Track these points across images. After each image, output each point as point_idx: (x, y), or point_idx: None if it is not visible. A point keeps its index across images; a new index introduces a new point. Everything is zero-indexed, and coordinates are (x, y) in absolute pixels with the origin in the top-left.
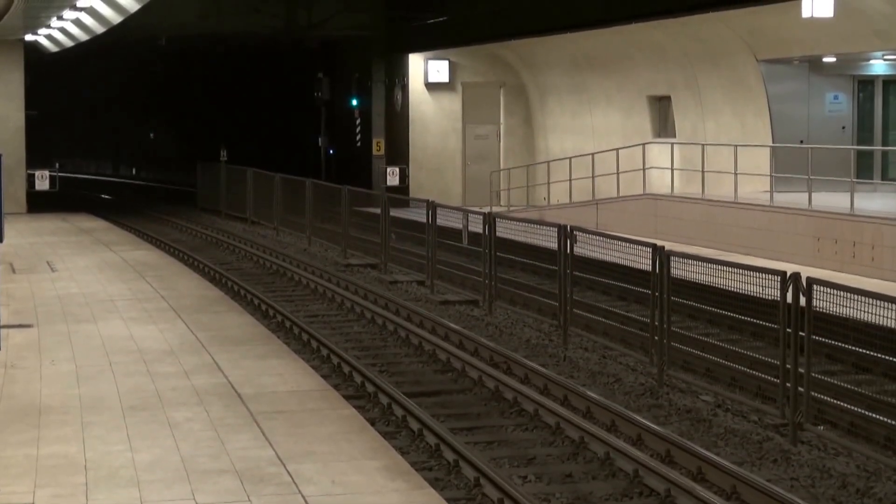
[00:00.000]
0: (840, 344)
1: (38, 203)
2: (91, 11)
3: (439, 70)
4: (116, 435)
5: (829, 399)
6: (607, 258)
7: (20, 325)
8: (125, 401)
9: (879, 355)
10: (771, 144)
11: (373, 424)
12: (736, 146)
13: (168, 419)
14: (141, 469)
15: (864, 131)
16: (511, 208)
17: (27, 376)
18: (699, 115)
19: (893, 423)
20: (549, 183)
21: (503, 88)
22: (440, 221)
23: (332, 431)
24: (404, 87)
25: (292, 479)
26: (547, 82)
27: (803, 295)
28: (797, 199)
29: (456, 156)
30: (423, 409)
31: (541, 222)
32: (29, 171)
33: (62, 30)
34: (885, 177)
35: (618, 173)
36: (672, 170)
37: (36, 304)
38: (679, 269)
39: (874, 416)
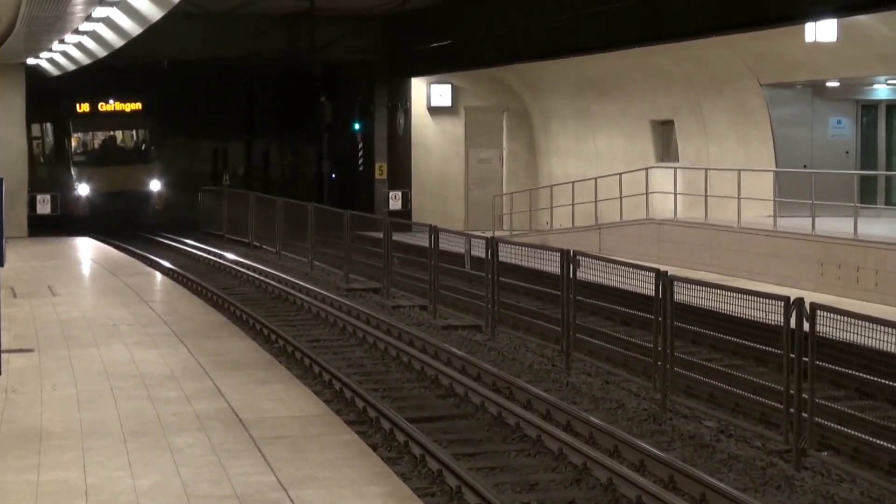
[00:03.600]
0: (844, 370)
1: (39, 226)
2: (93, 35)
3: (442, 94)
4: (117, 460)
5: (832, 425)
6: (610, 283)
7: (21, 350)
8: (126, 426)
9: (883, 381)
10: (774, 169)
11: (375, 450)
12: (739, 171)
13: (169, 444)
14: (142, 494)
15: (867, 156)
16: (514, 233)
17: (28, 401)
18: (702, 139)
19: None
20: (551, 207)
21: (506, 112)
22: (443, 246)
23: (334, 457)
24: (407, 111)
25: None
26: (550, 106)
27: (807, 320)
28: (801, 223)
29: (458, 180)
30: (426, 435)
31: (544, 247)
32: (30, 194)
33: (64, 53)
34: (888, 202)
35: (621, 198)
36: (675, 194)
37: (37, 328)
38: (682, 295)
39: (878, 442)
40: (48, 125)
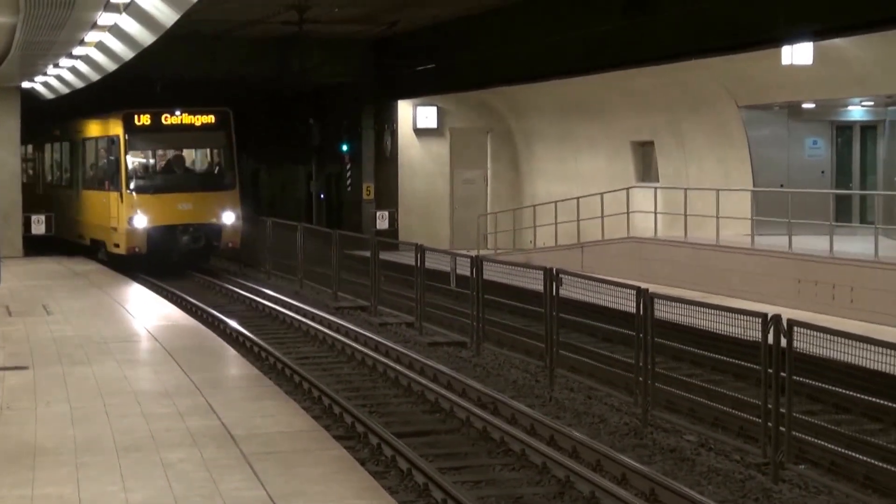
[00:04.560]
0: (820, 384)
1: (34, 246)
2: (86, 59)
3: (427, 116)
4: (110, 476)
5: (809, 438)
6: (592, 300)
7: (16, 367)
8: (119, 442)
9: (859, 395)
10: (752, 189)
11: (363, 464)
12: (718, 190)
13: (161, 460)
14: None
15: (842, 176)
16: (498, 251)
17: (22, 418)
18: (682, 159)
19: (873, 461)
20: (535, 227)
21: (490, 134)
22: (428, 264)
23: (323, 471)
24: (393, 133)
25: None
26: (533, 128)
27: (784, 336)
28: (778, 242)
29: (444, 200)
30: (412, 450)
31: (527, 265)
32: (25, 215)
33: (58, 77)
34: (863, 220)
35: (602, 217)
36: (655, 213)
37: (31, 346)
38: (663, 312)
39: (854, 454)
40: (88, 142)
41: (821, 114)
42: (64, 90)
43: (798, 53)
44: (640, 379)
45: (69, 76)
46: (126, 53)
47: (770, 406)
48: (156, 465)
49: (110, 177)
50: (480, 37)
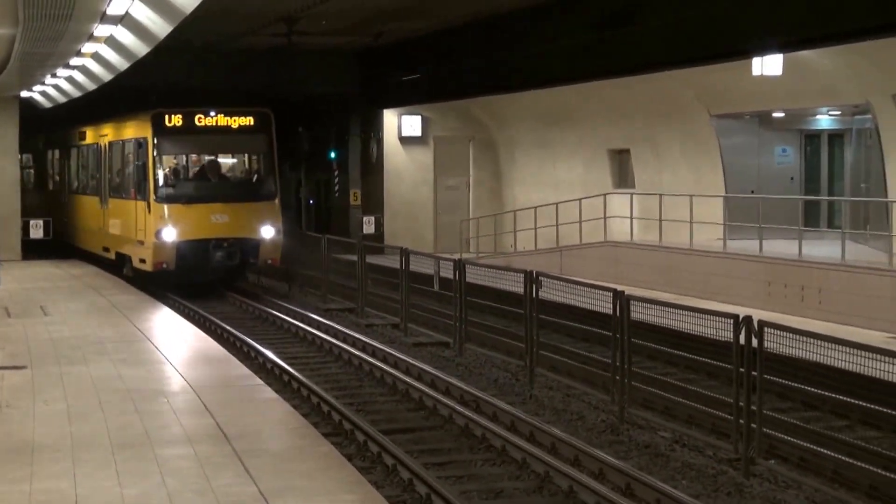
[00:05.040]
0: (790, 382)
1: (32, 250)
2: (83, 69)
3: (412, 125)
4: (106, 471)
5: (779, 435)
6: (571, 302)
7: (15, 367)
8: (114, 439)
9: (827, 393)
10: (724, 195)
11: (350, 460)
12: (691, 196)
13: (156, 456)
14: (129, 503)
15: (811, 182)
16: (480, 255)
17: (21, 416)
18: (656, 167)
19: (840, 457)
20: (515, 231)
21: (472, 142)
22: (413, 267)
23: (312, 467)
24: (379, 141)
25: None
26: (514, 137)
27: (755, 337)
28: (749, 246)
29: (428, 205)
30: (397, 446)
31: (508, 268)
32: (24, 220)
33: (56, 86)
34: (830, 225)
35: (580, 222)
36: (631, 219)
37: (30, 346)
38: (638, 313)
39: (822, 450)
40: (114, 145)
41: (790, 123)
42: (62, 99)
43: (768, 65)
44: (617, 378)
45: (66, 86)
46: (121, 64)
47: (741, 404)
48: (150, 461)
49: (137, 184)
50: (463, 48)
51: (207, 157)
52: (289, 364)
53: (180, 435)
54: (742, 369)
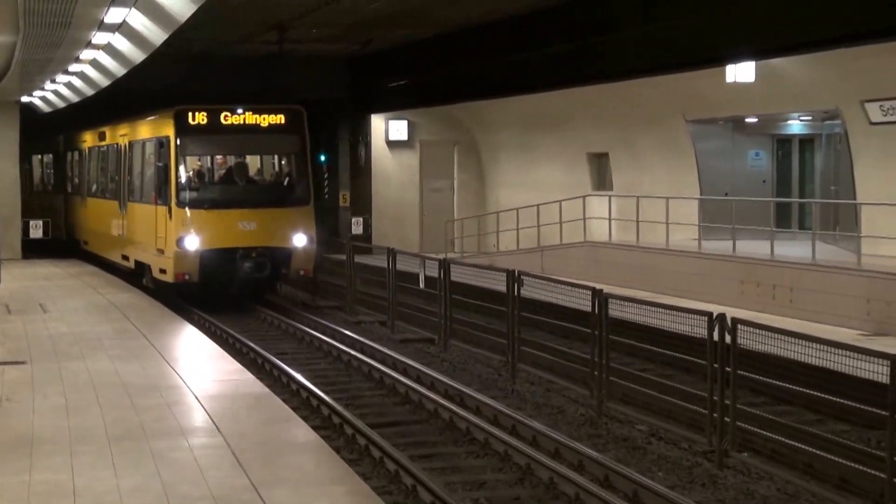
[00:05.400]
0: (762, 378)
1: (32, 249)
2: (81, 75)
3: (399, 129)
4: (103, 463)
5: (752, 428)
6: (551, 300)
7: (15, 362)
8: (111, 432)
9: (798, 388)
10: (699, 197)
11: (338, 452)
12: (667, 198)
13: (151, 449)
14: (125, 495)
15: (782, 185)
16: (464, 255)
17: (21, 409)
18: (634, 170)
19: (812, 450)
20: (498, 232)
21: (457, 146)
22: (400, 267)
23: (301, 459)
24: (367, 145)
25: (264, 502)
26: (497, 140)
27: (728, 334)
28: (723, 246)
29: (414, 207)
30: (384, 439)
31: (491, 267)
32: (24, 220)
33: (55, 92)
34: (801, 226)
35: (560, 223)
36: (610, 220)
37: (29, 342)
38: (617, 311)
39: (794, 443)
40: (134, 145)
41: (762, 128)
42: (60, 104)
43: (741, 72)
44: (596, 373)
45: (65, 91)
46: (118, 70)
47: (716, 398)
48: (145, 453)
49: (158, 188)
50: (448, 55)
51: (234, 159)
52: (279, 359)
53: (174, 428)
54: (716, 365)
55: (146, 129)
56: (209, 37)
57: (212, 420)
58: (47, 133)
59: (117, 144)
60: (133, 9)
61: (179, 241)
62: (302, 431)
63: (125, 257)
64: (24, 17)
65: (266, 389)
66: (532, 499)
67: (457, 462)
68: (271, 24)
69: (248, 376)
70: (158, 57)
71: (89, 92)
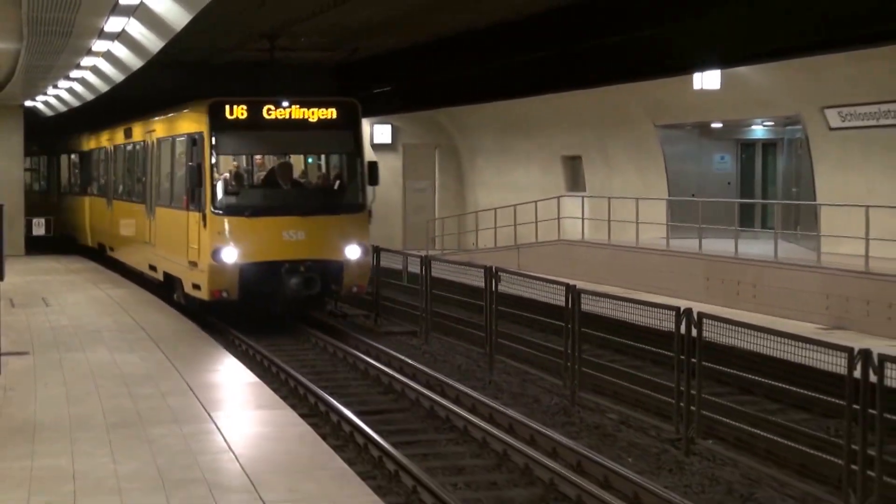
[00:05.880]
0: (727, 369)
1: (35, 246)
2: (82, 81)
3: (383, 133)
4: (101, 449)
5: (717, 417)
6: (527, 295)
7: (18, 353)
8: (109, 419)
9: (761, 379)
10: (667, 198)
11: (324, 439)
12: (637, 199)
13: (146, 435)
14: (122, 479)
15: (746, 186)
16: (444, 252)
17: (23, 398)
18: (606, 172)
19: (773, 437)
20: (477, 230)
21: (438, 149)
22: (384, 263)
23: (290, 446)
24: None
25: (254, 487)
26: (476, 144)
27: (695, 327)
28: (690, 244)
29: (397, 206)
30: (368, 426)
31: (470, 264)
32: (27, 218)
33: (56, 97)
34: (764, 225)
35: (536, 222)
36: (582, 219)
37: (32, 334)
38: (589, 305)
39: (756, 431)
40: (163, 143)
41: (727, 132)
42: (62, 108)
43: (707, 80)
44: (569, 364)
45: (66, 96)
46: (116, 76)
47: (682, 388)
48: (141, 439)
49: (190, 191)
50: (431, 62)
51: (278, 158)
52: (268, 351)
53: (168, 415)
54: (683, 357)
55: (176, 125)
56: (204, 45)
57: (204, 408)
58: (73, 130)
59: (144, 142)
60: (132, 18)
61: (215, 254)
62: (290, 418)
63: (153, 268)
64: (28, 25)
65: (255, 377)
66: (509, 483)
67: (437, 448)
68: (263, 33)
69: (242, 368)
70: (155, 64)
71: (89, 97)
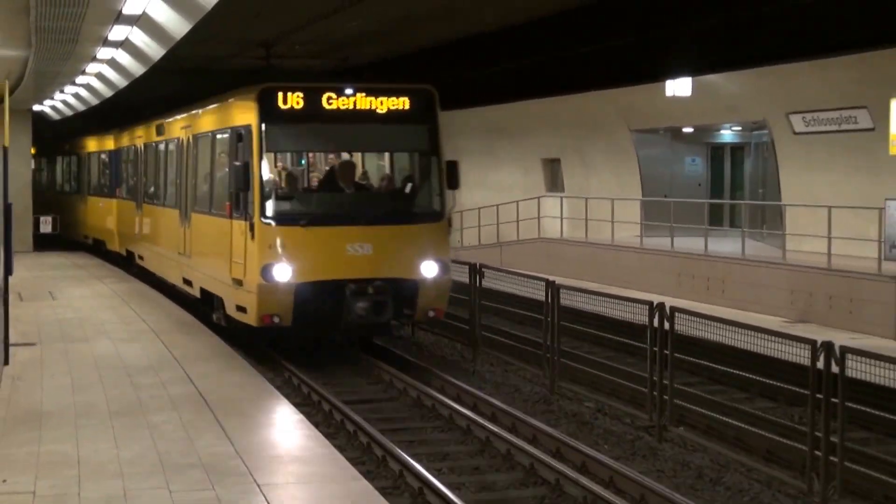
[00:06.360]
0: (697, 360)
1: (42, 243)
2: (87, 87)
3: None
4: (104, 435)
5: (688, 405)
6: (509, 290)
7: (25, 344)
8: (112, 407)
9: (728, 369)
10: (641, 198)
11: (317, 427)
12: (613, 199)
13: (147, 422)
14: (124, 464)
15: (715, 187)
16: None
17: (30, 386)
18: (584, 173)
19: (741, 425)
20: (462, 229)
21: None
22: None
23: (282, 431)
24: None
25: (248, 470)
26: (461, 146)
27: (667, 321)
28: (662, 242)
29: None
30: (358, 414)
31: (455, 261)
32: (35, 216)
33: (63, 101)
34: (732, 224)
35: (518, 221)
36: (561, 218)
37: (39, 326)
38: (567, 300)
39: (725, 419)
40: (200, 140)
41: (698, 137)
42: (68, 112)
43: (679, 86)
44: (549, 355)
45: (73, 101)
46: (120, 82)
47: (655, 378)
48: (143, 426)
49: (234, 195)
50: (418, 69)
51: (341, 157)
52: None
53: (168, 403)
54: (656, 349)
55: (217, 118)
56: (202, 52)
57: (202, 397)
58: (101, 128)
59: (178, 139)
60: (134, 27)
61: (266, 271)
62: (284, 407)
63: (188, 282)
64: (37, 33)
65: (250, 367)
66: (491, 468)
67: (423, 436)
68: (259, 41)
69: (238, 359)
70: (157, 71)
71: (94, 101)
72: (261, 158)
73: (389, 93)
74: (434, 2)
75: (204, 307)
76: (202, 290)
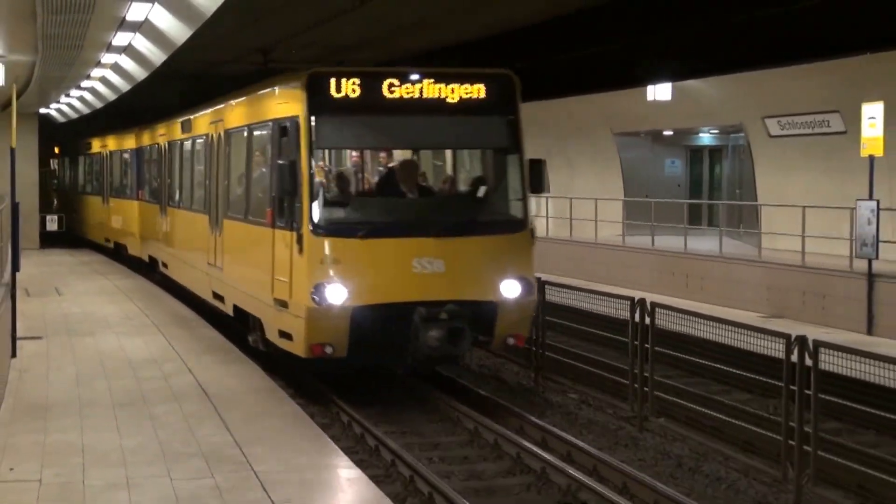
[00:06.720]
0: (677, 353)
1: (48, 240)
2: (92, 91)
3: None
4: (108, 425)
5: (668, 397)
6: None
7: (32, 338)
8: (115, 398)
9: (707, 362)
10: (623, 198)
11: (312, 418)
12: (596, 199)
13: (149, 413)
14: (127, 452)
15: (694, 188)
16: None
17: (37, 378)
18: (568, 174)
19: (719, 416)
20: None
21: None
22: None
23: (280, 422)
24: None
25: (247, 459)
26: None
27: (648, 316)
28: (643, 241)
29: None
30: (351, 406)
31: None
32: (41, 215)
33: (69, 104)
34: (710, 223)
35: None
36: (547, 217)
37: (45, 320)
38: (553, 296)
39: (704, 410)
40: (233, 135)
41: (678, 140)
42: (73, 115)
43: (660, 91)
44: (535, 349)
45: (77, 104)
46: (123, 86)
47: (637, 371)
48: (145, 417)
49: (278, 200)
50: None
51: (403, 156)
52: None
53: (169, 394)
54: (637, 342)
55: (255, 110)
56: (202, 58)
57: (202, 389)
58: (123, 125)
59: (208, 135)
60: (137, 33)
61: (318, 292)
62: (281, 399)
63: (218, 297)
64: (43, 39)
65: (248, 359)
66: (479, 458)
67: (415, 426)
68: (257, 47)
69: (237, 352)
70: (158, 76)
71: (98, 105)
72: (310, 156)
73: (462, 79)
74: (430, 8)
75: (238, 325)
76: (236, 309)
